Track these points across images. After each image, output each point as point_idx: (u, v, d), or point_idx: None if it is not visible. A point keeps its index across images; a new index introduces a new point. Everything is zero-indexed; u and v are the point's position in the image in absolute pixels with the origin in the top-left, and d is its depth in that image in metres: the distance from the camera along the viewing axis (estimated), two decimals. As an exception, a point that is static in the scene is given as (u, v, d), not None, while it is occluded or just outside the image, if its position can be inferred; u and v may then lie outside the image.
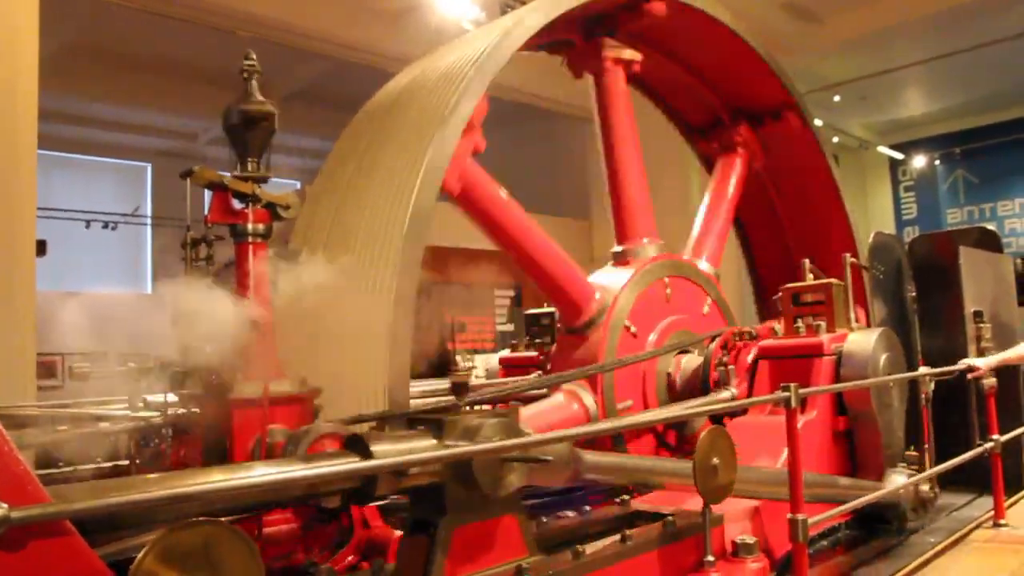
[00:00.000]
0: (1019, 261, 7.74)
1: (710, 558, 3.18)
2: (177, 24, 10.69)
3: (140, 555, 1.68)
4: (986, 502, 5.64)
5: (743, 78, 6.62)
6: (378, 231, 3.80)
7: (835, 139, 18.03)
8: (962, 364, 5.32)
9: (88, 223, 13.61)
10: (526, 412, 4.72)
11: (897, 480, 4.71)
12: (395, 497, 2.73)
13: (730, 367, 5.04)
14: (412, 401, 3.76)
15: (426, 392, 5.39)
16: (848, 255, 5.51)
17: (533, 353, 5.86)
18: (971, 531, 5.24)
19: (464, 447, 2.44)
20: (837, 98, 16.60)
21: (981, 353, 6.11)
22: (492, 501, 2.58)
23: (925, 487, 4.94)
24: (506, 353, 6.19)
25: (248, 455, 3.00)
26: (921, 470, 4.92)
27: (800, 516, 3.40)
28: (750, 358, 5.08)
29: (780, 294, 5.39)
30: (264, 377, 3.03)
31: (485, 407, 3.24)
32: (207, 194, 3.22)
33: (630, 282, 5.25)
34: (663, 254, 5.60)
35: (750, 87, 6.69)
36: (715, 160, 6.85)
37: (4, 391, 6.18)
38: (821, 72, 15.12)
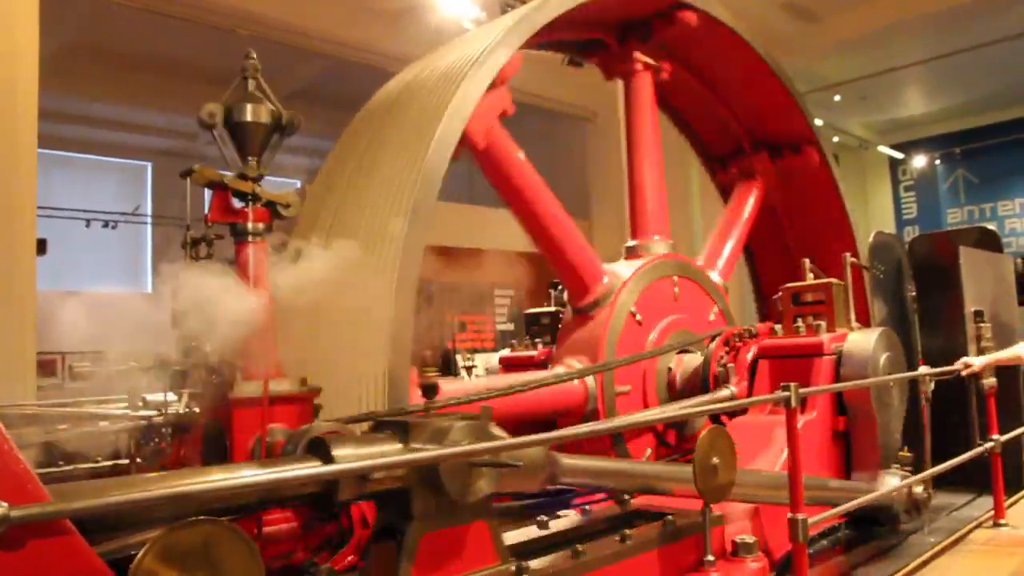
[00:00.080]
0: (1019, 261, 7.73)
1: (710, 558, 3.18)
2: (177, 23, 10.68)
3: (140, 554, 1.68)
4: (986, 502, 5.64)
5: (767, 108, 6.79)
6: (378, 231, 3.80)
7: (835, 139, 18.02)
8: (959, 364, 5.32)
9: (88, 222, 13.59)
10: (525, 376, 4.85)
11: (890, 482, 4.68)
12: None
13: (729, 365, 5.04)
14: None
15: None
16: (848, 254, 5.53)
17: (533, 352, 5.87)
18: (971, 531, 5.24)
19: (429, 451, 2.35)
20: (837, 98, 16.59)
21: (981, 353, 6.12)
22: (461, 507, 2.48)
23: (918, 488, 4.89)
24: (506, 352, 6.18)
25: (248, 454, 3.00)
26: (915, 470, 4.91)
27: (800, 516, 3.40)
28: (750, 356, 5.09)
29: (780, 294, 5.40)
30: (264, 376, 3.03)
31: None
32: (207, 193, 3.21)
33: (640, 271, 5.37)
34: (675, 253, 5.75)
35: (774, 118, 6.85)
36: (733, 187, 7.02)
37: (4, 390, 6.18)
38: (821, 72, 15.11)
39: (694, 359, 5.31)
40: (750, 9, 9.73)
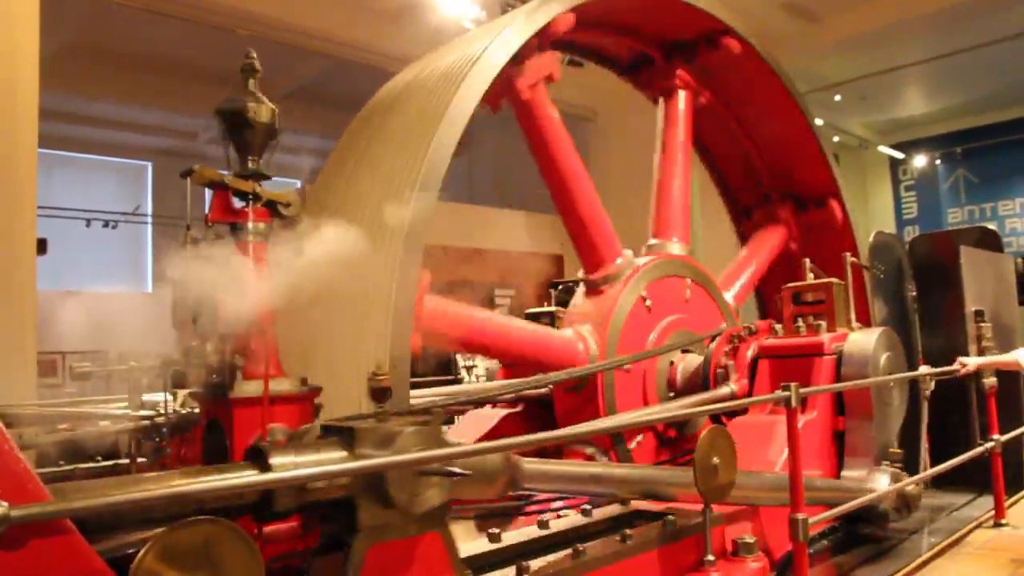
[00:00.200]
0: (1020, 260, 7.73)
1: (710, 557, 3.18)
2: (177, 23, 10.68)
3: (141, 553, 1.68)
4: (986, 502, 5.64)
5: (796, 158, 6.92)
6: (378, 230, 3.80)
7: (836, 138, 18.01)
8: (957, 364, 5.32)
9: (89, 222, 13.59)
10: (536, 332, 4.96)
11: (880, 480, 4.64)
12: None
13: (729, 363, 5.04)
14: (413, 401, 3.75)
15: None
16: (848, 254, 5.53)
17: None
18: (971, 531, 5.24)
19: (370, 460, 2.22)
20: (837, 97, 16.57)
21: (982, 352, 6.12)
22: (412, 518, 2.36)
23: (909, 486, 4.80)
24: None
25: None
26: (906, 467, 4.87)
27: (800, 516, 3.40)
28: (749, 354, 5.09)
29: (781, 293, 5.40)
30: (264, 375, 3.03)
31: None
32: (208, 192, 3.21)
33: (656, 261, 5.51)
34: (693, 259, 5.83)
35: (801, 169, 6.96)
36: (754, 232, 7.12)
37: (4, 390, 6.18)
38: (821, 71, 15.10)
39: (695, 359, 5.31)
40: (750, 9, 9.73)
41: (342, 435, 2.41)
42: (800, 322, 5.08)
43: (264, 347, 3.05)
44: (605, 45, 6.60)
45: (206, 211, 3.22)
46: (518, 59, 4.80)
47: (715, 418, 4.79)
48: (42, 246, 7.18)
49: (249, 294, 2.89)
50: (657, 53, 6.44)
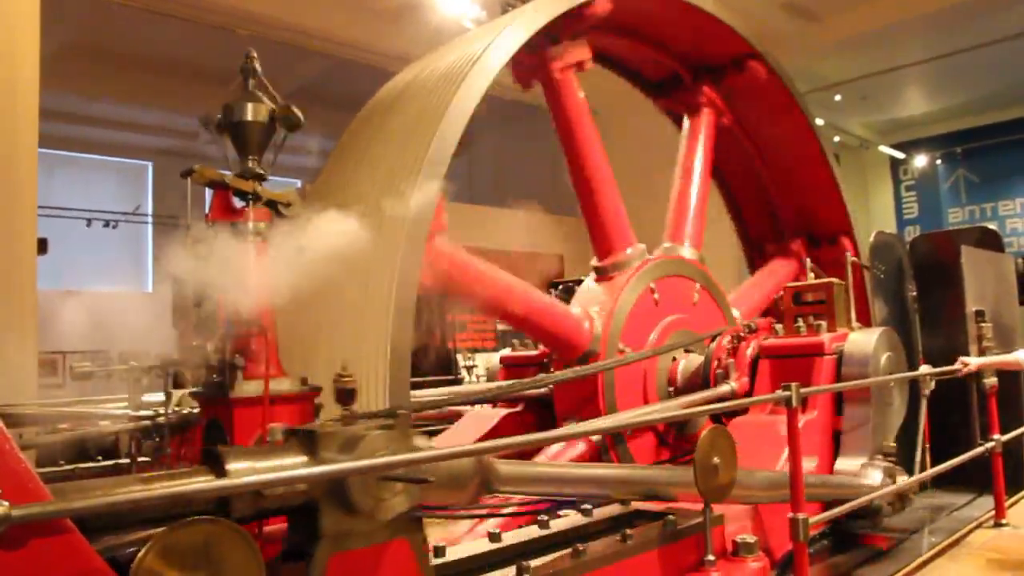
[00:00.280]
0: (1020, 260, 7.72)
1: (710, 557, 3.18)
2: (177, 23, 10.69)
3: (141, 553, 1.68)
4: (987, 502, 5.64)
5: (811, 193, 7.03)
6: (378, 228, 3.80)
7: (836, 138, 18.01)
8: (959, 363, 5.31)
9: (89, 221, 13.59)
10: (544, 297, 5.00)
11: (873, 475, 4.59)
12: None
13: (729, 361, 5.04)
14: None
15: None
16: (849, 253, 5.53)
17: (534, 352, 5.86)
18: (972, 531, 5.24)
19: (329, 465, 2.14)
20: (838, 97, 16.58)
21: (982, 353, 6.11)
22: (377, 524, 2.27)
23: (903, 479, 4.73)
24: (507, 352, 6.18)
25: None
26: (899, 462, 4.84)
27: (801, 515, 3.40)
28: (750, 352, 5.09)
29: (781, 293, 5.40)
30: (264, 375, 3.03)
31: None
32: (208, 192, 3.21)
33: (669, 258, 5.63)
34: (704, 266, 5.88)
35: (816, 206, 7.07)
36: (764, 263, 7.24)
37: (5, 390, 6.18)
38: (822, 71, 15.10)
39: (695, 359, 5.31)
40: (750, 9, 9.72)
41: (303, 439, 2.34)
42: (800, 322, 5.08)
43: (264, 347, 3.05)
44: (634, 57, 6.73)
45: (206, 211, 3.22)
46: (556, 40, 5.17)
47: (715, 418, 4.79)
48: (42, 246, 7.18)
49: (249, 291, 2.89)
50: (686, 73, 6.63)
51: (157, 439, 4.24)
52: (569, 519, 3.36)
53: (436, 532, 3.64)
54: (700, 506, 3.18)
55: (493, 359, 6.48)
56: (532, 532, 3.12)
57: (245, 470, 2.13)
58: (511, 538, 3.02)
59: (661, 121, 7.31)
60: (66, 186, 13.98)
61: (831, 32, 13.97)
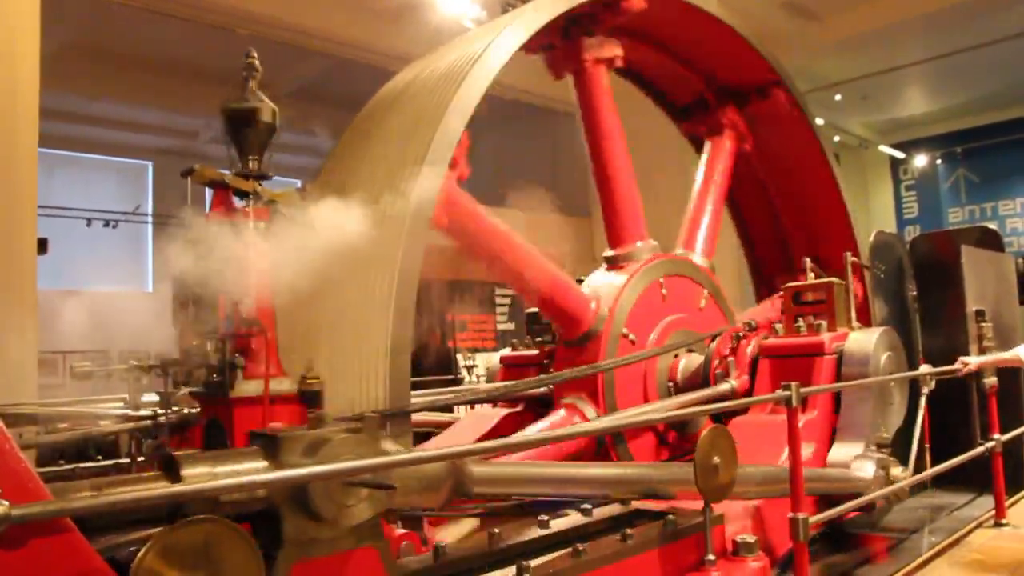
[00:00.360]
0: (1020, 260, 7.72)
1: (711, 557, 3.17)
2: (177, 23, 10.68)
3: (141, 553, 1.68)
4: (987, 502, 5.64)
5: (823, 229, 7.02)
6: (377, 227, 3.79)
7: (836, 138, 18.01)
8: (959, 363, 5.31)
9: (89, 221, 13.59)
10: (555, 269, 4.95)
11: (866, 467, 4.52)
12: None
13: (730, 359, 5.04)
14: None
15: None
16: (849, 253, 5.53)
17: (534, 351, 5.86)
18: (972, 531, 5.24)
19: (287, 471, 2.07)
20: (838, 97, 16.57)
21: (983, 352, 6.10)
22: (343, 531, 2.21)
23: (896, 470, 4.63)
24: (507, 352, 6.18)
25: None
26: (892, 454, 4.81)
27: (801, 515, 3.40)
28: (750, 349, 5.09)
29: (781, 293, 5.39)
30: (265, 375, 3.03)
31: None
32: (208, 192, 3.21)
33: (680, 259, 5.73)
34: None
35: (825, 237, 7.01)
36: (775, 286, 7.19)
37: (5, 389, 6.18)
38: (822, 71, 15.09)
39: (695, 359, 5.31)
40: (750, 8, 9.72)
41: (265, 443, 2.27)
42: (800, 322, 5.08)
43: (264, 346, 3.05)
44: (662, 75, 6.88)
45: (206, 210, 3.23)
46: (591, 33, 5.38)
47: (716, 417, 4.79)
48: (43, 245, 7.18)
49: (249, 290, 2.89)
50: (711, 95, 6.78)
51: (157, 439, 4.23)
52: (569, 519, 3.36)
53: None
54: (699, 505, 3.18)
55: (493, 359, 6.47)
56: (532, 532, 3.12)
57: (201, 476, 2.09)
58: (511, 537, 3.02)
59: (662, 122, 7.30)
60: (66, 186, 13.98)
61: (831, 32, 13.96)
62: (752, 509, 3.91)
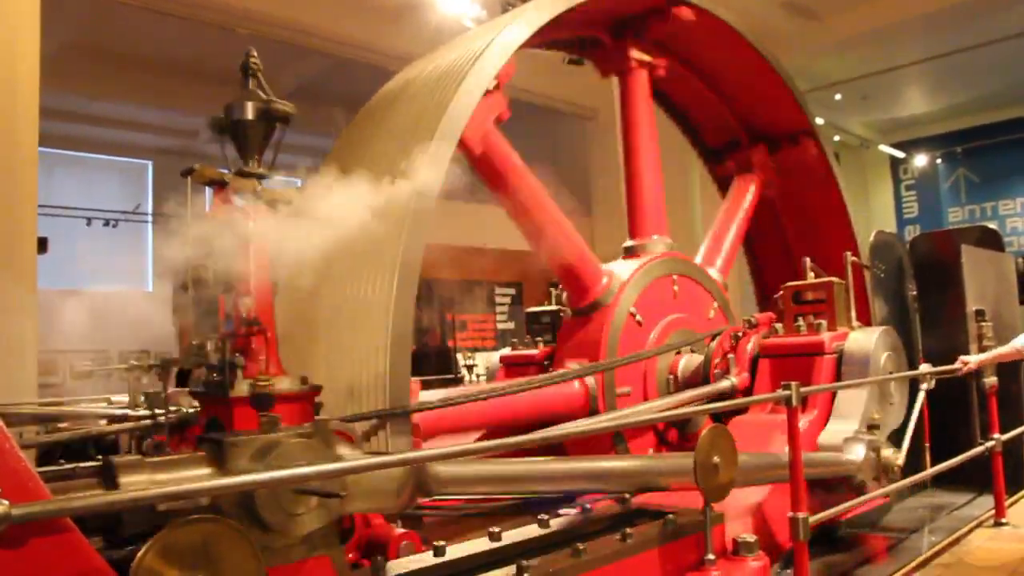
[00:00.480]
0: (1020, 260, 7.72)
1: (711, 556, 3.17)
2: (177, 22, 10.67)
3: (141, 552, 1.68)
4: (987, 501, 5.64)
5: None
6: (377, 225, 3.79)
7: (836, 138, 18.01)
8: (959, 363, 5.30)
9: (89, 220, 13.59)
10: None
11: (856, 449, 4.44)
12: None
13: (730, 356, 5.04)
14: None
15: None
16: (849, 253, 5.52)
17: (534, 351, 5.86)
18: (972, 530, 5.24)
19: (228, 479, 2.01)
20: (838, 96, 16.58)
21: (982, 352, 6.10)
22: (293, 540, 2.14)
23: (888, 452, 4.55)
24: (507, 351, 6.18)
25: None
26: (883, 436, 4.75)
27: (801, 515, 3.40)
28: (750, 347, 5.09)
29: (781, 292, 5.39)
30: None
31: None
32: (208, 191, 3.21)
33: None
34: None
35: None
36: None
37: (5, 389, 6.18)
38: (822, 70, 15.09)
39: (695, 358, 5.31)
40: (750, 8, 9.72)
41: (211, 448, 2.20)
42: (800, 321, 5.08)
43: (264, 345, 3.05)
44: (700, 110, 7.06)
45: (207, 210, 3.22)
46: (641, 36, 5.67)
47: (716, 417, 4.79)
48: (43, 245, 7.19)
49: (248, 288, 2.89)
50: (744, 134, 6.95)
51: (156, 438, 4.23)
52: (569, 518, 3.36)
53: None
54: (699, 504, 3.18)
55: (493, 359, 6.46)
56: (532, 531, 3.12)
57: (139, 483, 2.03)
58: (511, 537, 3.02)
59: (663, 124, 7.30)
60: (66, 185, 13.98)
61: (831, 31, 13.97)
62: (754, 506, 3.91)
